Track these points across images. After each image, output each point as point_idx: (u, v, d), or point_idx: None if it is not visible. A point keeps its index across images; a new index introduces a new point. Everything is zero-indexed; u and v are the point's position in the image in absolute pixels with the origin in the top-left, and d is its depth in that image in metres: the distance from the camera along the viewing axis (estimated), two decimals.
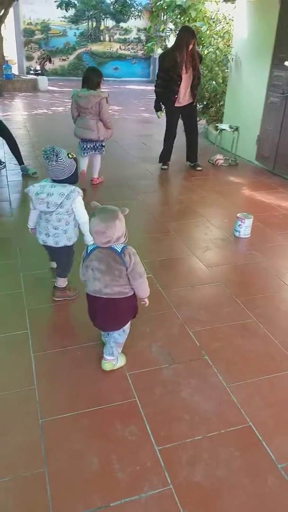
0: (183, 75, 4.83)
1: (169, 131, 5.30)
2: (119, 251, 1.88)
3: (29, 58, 16.00)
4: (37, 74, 14.16)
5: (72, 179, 2.46)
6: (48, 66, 15.44)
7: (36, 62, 15.49)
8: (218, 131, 5.75)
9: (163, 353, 2.22)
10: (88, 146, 4.49)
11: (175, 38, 5.13)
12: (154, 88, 5.16)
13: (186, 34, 4.77)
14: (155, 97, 5.19)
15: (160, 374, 2.08)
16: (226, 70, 6.54)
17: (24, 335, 2.31)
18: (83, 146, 4.51)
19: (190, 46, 4.73)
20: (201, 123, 7.82)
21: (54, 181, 2.43)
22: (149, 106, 11.00)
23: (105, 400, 1.92)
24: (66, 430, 1.78)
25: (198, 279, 2.94)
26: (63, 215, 2.42)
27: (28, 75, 14.36)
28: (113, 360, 2.09)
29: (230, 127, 5.70)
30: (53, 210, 2.38)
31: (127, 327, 2.08)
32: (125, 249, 1.89)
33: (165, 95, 5.02)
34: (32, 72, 14.89)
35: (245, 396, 1.97)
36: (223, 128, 5.72)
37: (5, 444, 1.71)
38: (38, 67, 14.96)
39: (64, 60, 16.62)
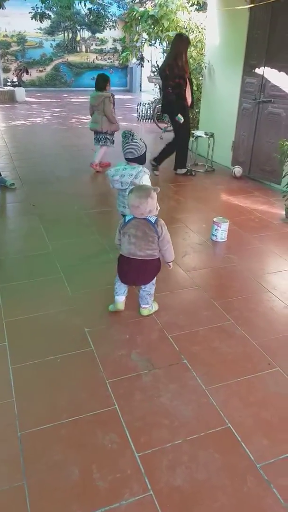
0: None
1: (187, 134, 5.48)
2: (153, 222, 2.36)
3: (6, 70, 15.97)
4: (15, 86, 14.12)
5: (141, 160, 2.99)
6: (25, 77, 15.42)
7: (13, 73, 15.46)
8: (194, 137, 5.83)
9: (143, 359, 2.23)
10: (96, 137, 5.50)
11: (170, 46, 5.48)
12: (165, 101, 5.40)
13: (184, 43, 5.15)
14: (173, 106, 5.28)
15: (139, 381, 2.08)
16: (200, 78, 6.65)
17: (1, 348, 2.28)
18: (94, 136, 5.55)
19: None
20: None
21: (127, 160, 2.97)
22: (126, 115, 11.09)
23: (85, 409, 1.91)
24: (45, 441, 1.76)
25: (177, 284, 2.96)
26: None
27: (5, 87, 14.31)
28: (149, 307, 2.59)
29: (206, 133, 5.79)
30: (126, 187, 2.90)
31: (154, 280, 2.55)
32: (157, 221, 2.38)
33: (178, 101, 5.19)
34: (9, 83, 14.85)
35: (223, 398, 1.99)
36: (199, 135, 5.80)
37: None
38: (15, 79, 14.93)
39: (41, 71, 16.63)
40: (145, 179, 2.93)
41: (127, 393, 2.00)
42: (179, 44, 5.13)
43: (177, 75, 5.06)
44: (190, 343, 2.36)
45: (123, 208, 3.10)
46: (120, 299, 2.59)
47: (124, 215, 2.98)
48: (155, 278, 2.54)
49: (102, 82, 5.27)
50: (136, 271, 2.45)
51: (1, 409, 1.91)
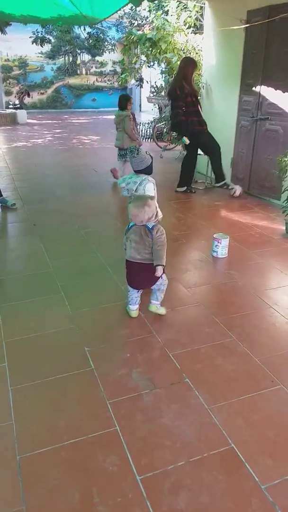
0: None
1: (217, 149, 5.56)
2: (150, 227, 2.52)
3: (8, 93, 16.32)
4: (16, 108, 14.40)
5: (148, 171, 3.26)
6: (26, 100, 15.73)
7: (15, 96, 15.77)
8: None
9: (144, 378, 2.20)
10: (120, 153, 5.78)
11: (178, 69, 5.60)
12: (175, 120, 5.47)
13: (191, 65, 5.31)
14: (179, 128, 5.55)
15: (141, 401, 2.05)
16: (198, 98, 6.74)
17: (1, 369, 2.26)
18: (118, 152, 5.85)
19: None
20: (177, 148, 8.03)
21: (135, 172, 3.26)
22: None
23: (85, 431, 1.87)
24: (45, 465, 1.72)
25: (178, 301, 2.94)
26: None
27: (7, 109, 14.59)
28: (158, 304, 2.75)
29: None
30: (131, 194, 3.19)
31: (165, 277, 2.69)
32: (155, 226, 2.53)
33: (189, 121, 5.26)
34: (11, 106, 15.15)
35: (226, 417, 1.95)
36: (198, 153, 5.84)
37: None
38: (17, 101, 15.23)
39: (42, 93, 16.99)
40: (149, 187, 3.19)
41: (128, 414, 1.97)
42: (188, 66, 5.30)
43: (188, 94, 5.20)
44: (192, 361, 2.33)
45: None
46: (133, 308, 2.74)
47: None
48: (165, 276, 2.68)
49: (123, 102, 5.66)
50: (138, 274, 2.62)
51: (1, 432, 1.87)
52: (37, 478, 1.67)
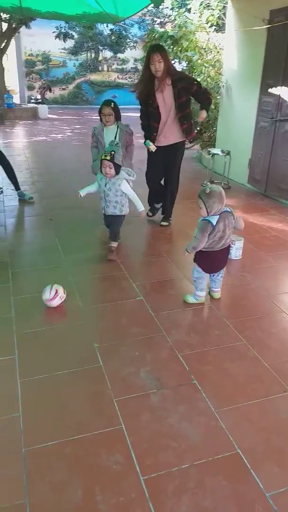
0: (159, 105, 3.84)
1: (148, 173, 4.38)
2: (230, 211, 2.71)
3: (30, 87, 16.49)
4: (38, 103, 14.53)
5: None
6: (48, 95, 15.86)
7: (37, 91, 15.92)
8: (211, 155, 5.84)
9: (152, 378, 2.19)
10: None
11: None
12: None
13: (147, 53, 3.69)
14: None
15: (147, 400, 2.04)
16: (217, 97, 6.69)
17: (11, 361, 2.28)
18: None
19: (153, 66, 3.60)
20: (195, 148, 7.98)
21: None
22: None
23: (91, 428, 1.87)
24: (49, 459, 1.73)
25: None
26: None
27: (29, 104, 14.73)
28: (219, 291, 2.96)
29: (222, 151, 5.80)
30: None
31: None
32: (231, 209, 2.73)
33: (146, 128, 4.16)
34: (33, 101, 15.29)
35: (233, 421, 1.92)
36: (215, 152, 5.81)
37: None
38: (38, 96, 15.37)
39: (64, 89, 17.12)
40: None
41: (134, 413, 1.96)
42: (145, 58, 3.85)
43: (140, 98, 4.12)
44: (201, 362, 2.31)
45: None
46: (203, 294, 2.92)
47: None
48: None
49: None
50: (222, 258, 2.84)
51: (8, 424, 1.89)
52: (41, 472, 1.68)
